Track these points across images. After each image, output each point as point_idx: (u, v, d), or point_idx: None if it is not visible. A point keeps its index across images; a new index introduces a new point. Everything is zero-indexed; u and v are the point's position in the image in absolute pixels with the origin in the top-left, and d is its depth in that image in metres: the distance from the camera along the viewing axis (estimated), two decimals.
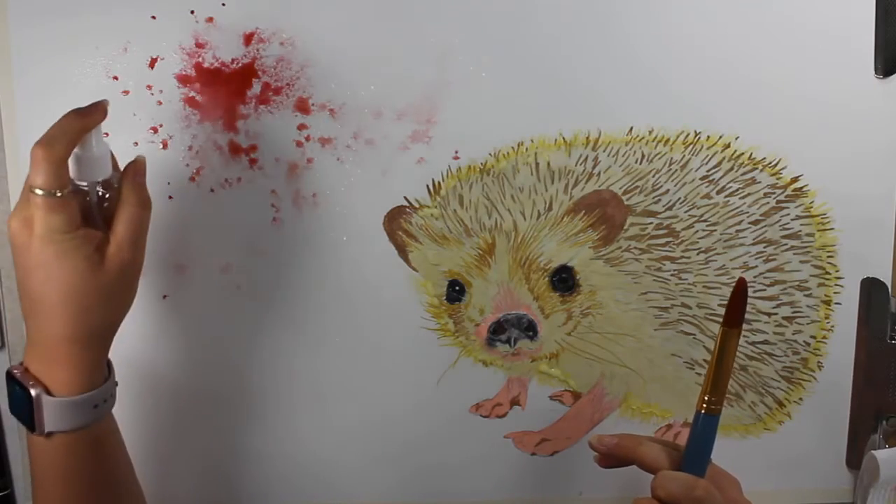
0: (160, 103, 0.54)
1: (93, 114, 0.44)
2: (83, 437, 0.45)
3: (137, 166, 0.47)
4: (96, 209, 0.46)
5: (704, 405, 0.42)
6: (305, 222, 0.56)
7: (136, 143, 0.55)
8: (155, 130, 0.55)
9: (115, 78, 0.54)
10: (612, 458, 0.45)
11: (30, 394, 0.43)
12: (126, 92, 0.54)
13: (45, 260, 0.42)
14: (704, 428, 0.43)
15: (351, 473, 0.60)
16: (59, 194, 0.42)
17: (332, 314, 0.57)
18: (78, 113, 0.44)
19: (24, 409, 0.44)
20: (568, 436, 0.60)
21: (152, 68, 0.54)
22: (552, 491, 0.61)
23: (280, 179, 0.56)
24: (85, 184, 0.45)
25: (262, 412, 0.59)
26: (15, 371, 0.45)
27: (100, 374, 0.46)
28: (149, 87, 0.54)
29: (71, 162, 0.44)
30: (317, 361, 0.58)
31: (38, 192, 0.42)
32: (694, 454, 0.43)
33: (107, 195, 0.46)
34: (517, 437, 0.60)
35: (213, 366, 0.57)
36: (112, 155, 0.47)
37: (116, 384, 0.48)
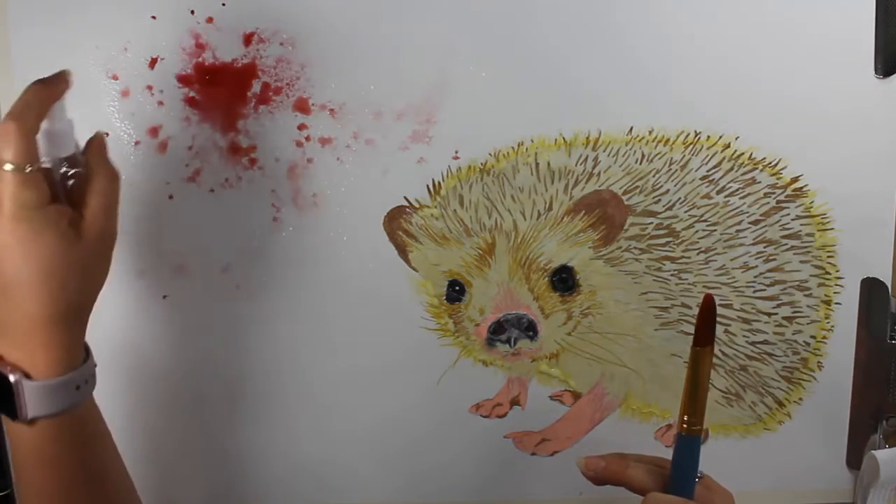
0: (160, 103, 0.54)
1: (58, 83, 0.42)
2: (66, 422, 0.43)
3: (99, 140, 0.45)
4: (60, 187, 0.43)
5: (684, 426, 0.42)
6: (305, 222, 0.56)
7: (136, 143, 0.55)
8: (155, 130, 0.55)
9: (115, 78, 0.54)
10: (602, 479, 0.45)
11: (7, 380, 0.41)
12: (126, 92, 0.54)
13: (19, 238, 0.40)
14: (687, 449, 0.42)
15: (350, 474, 0.60)
16: (28, 169, 0.40)
17: (331, 314, 0.57)
18: (43, 83, 0.42)
19: (2, 397, 0.41)
20: (568, 436, 0.60)
21: (152, 68, 0.54)
22: (552, 491, 0.61)
23: (280, 179, 0.56)
24: (49, 160, 0.42)
25: (261, 412, 0.58)
26: None
27: (79, 355, 0.44)
28: (149, 87, 0.54)
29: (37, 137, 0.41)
30: (317, 361, 0.58)
31: (8, 167, 0.39)
32: (679, 476, 0.42)
33: (70, 172, 0.44)
34: (517, 437, 0.60)
35: (213, 366, 0.57)
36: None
37: (95, 365, 0.46)
